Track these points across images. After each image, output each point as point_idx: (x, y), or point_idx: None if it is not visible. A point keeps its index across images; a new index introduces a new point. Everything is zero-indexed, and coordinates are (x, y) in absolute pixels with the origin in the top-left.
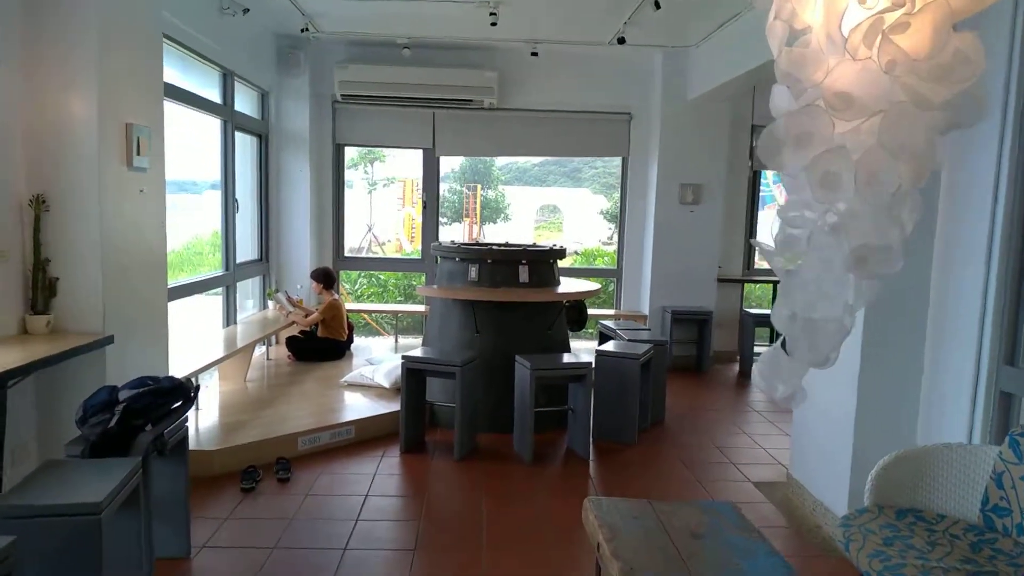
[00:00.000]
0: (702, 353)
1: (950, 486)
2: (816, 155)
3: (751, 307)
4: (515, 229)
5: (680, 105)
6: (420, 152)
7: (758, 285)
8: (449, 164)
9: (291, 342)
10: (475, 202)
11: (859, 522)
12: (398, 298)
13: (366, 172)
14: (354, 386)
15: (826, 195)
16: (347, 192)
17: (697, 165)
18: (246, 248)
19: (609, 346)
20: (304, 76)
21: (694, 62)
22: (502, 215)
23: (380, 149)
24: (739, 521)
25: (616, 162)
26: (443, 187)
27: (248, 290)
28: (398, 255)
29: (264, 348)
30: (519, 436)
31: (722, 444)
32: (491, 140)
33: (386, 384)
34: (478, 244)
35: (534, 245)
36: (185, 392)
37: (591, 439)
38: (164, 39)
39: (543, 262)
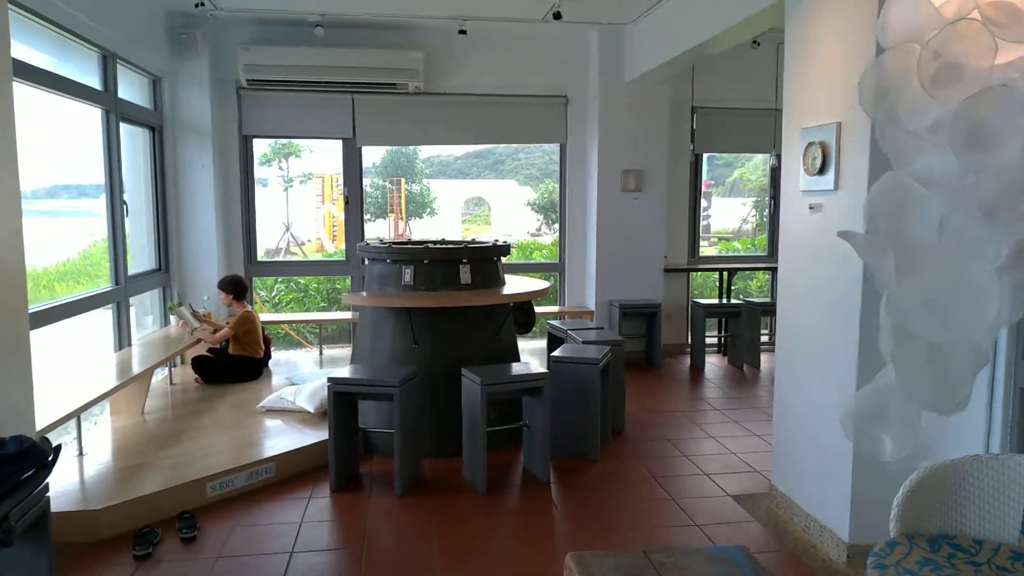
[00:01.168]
0: (652, 348)
1: (984, 505)
2: (967, 98)
3: (698, 297)
4: (442, 223)
5: (618, 87)
6: (339, 143)
7: (701, 274)
8: (370, 158)
9: (198, 363)
10: (399, 197)
11: (892, 560)
12: (321, 304)
13: (281, 168)
14: (274, 412)
15: (975, 158)
16: (261, 190)
17: (638, 150)
18: (142, 257)
19: (564, 351)
20: (202, 59)
21: (632, 40)
22: (428, 209)
23: (296, 142)
24: (754, 571)
25: (540, 153)
26: (365, 182)
27: (147, 305)
28: (319, 255)
29: (166, 372)
30: (469, 460)
31: (691, 452)
32: (418, 128)
33: (310, 408)
34: (412, 243)
35: (474, 241)
36: (39, 456)
37: (549, 458)
38: (17, 9)
39: (486, 260)
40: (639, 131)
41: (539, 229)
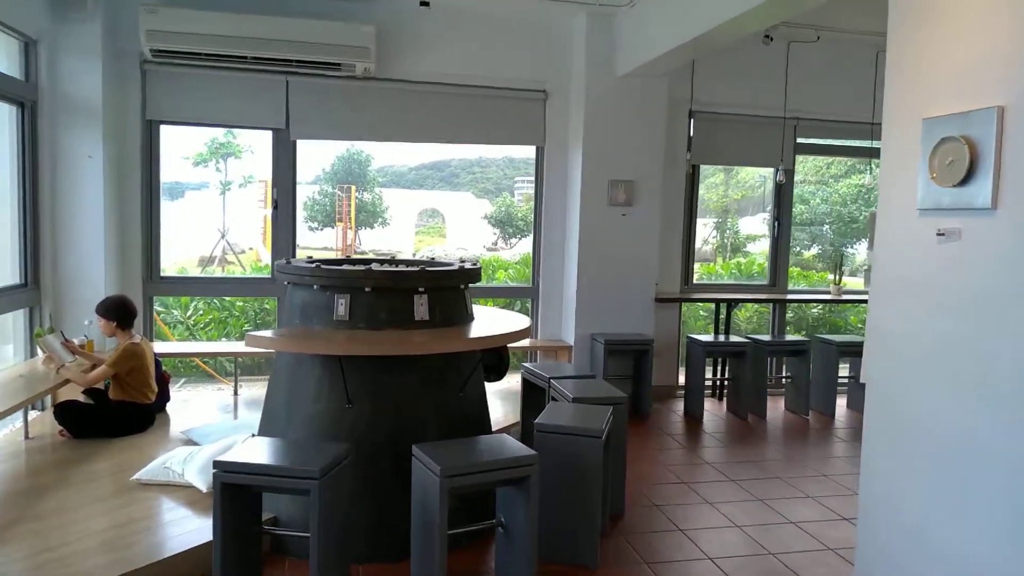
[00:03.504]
0: (640, 392)
1: None
2: None
3: (695, 332)
4: (394, 234)
5: (608, 82)
6: (269, 134)
7: (695, 305)
8: (320, 162)
9: (64, 410)
10: (349, 205)
11: None
12: (245, 326)
13: (218, 170)
14: (154, 487)
15: None
16: (198, 194)
17: (630, 158)
18: (2, 268)
19: (553, 415)
20: (94, 22)
21: (625, 27)
22: (380, 219)
23: (235, 141)
24: None
25: (496, 168)
26: (313, 189)
27: (7, 331)
28: (257, 266)
29: (21, 421)
30: (421, 569)
31: (715, 551)
32: (366, 121)
33: (202, 486)
34: (349, 261)
35: (434, 262)
36: None
37: (535, 569)
38: None
39: (450, 288)
40: (631, 135)
41: (495, 243)
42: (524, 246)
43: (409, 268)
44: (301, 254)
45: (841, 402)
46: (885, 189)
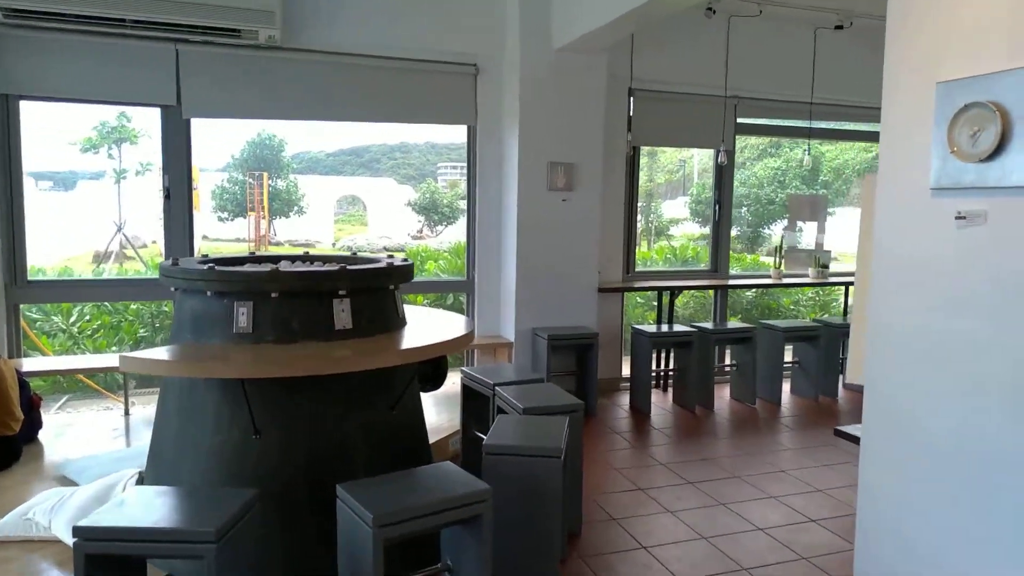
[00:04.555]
0: (586, 388)
1: None
2: None
3: (633, 321)
4: (313, 224)
5: (544, 56)
6: (158, 112)
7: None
8: (228, 147)
9: None
10: (262, 193)
11: None
12: (141, 331)
13: (111, 156)
14: (13, 544)
15: None
16: (93, 184)
17: (569, 139)
18: None
19: (504, 432)
20: None
21: None
22: (295, 208)
23: (129, 125)
24: None
25: (418, 153)
26: (222, 177)
27: None
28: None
29: None
30: None
31: (684, 571)
32: (271, 97)
33: (70, 540)
34: (253, 259)
35: (357, 257)
36: None
37: None
38: None
39: (377, 290)
40: (570, 115)
41: (420, 231)
42: (451, 234)
43: (327, 267)
44: (209, 248)
45: (786, 388)
46: (887, 166)
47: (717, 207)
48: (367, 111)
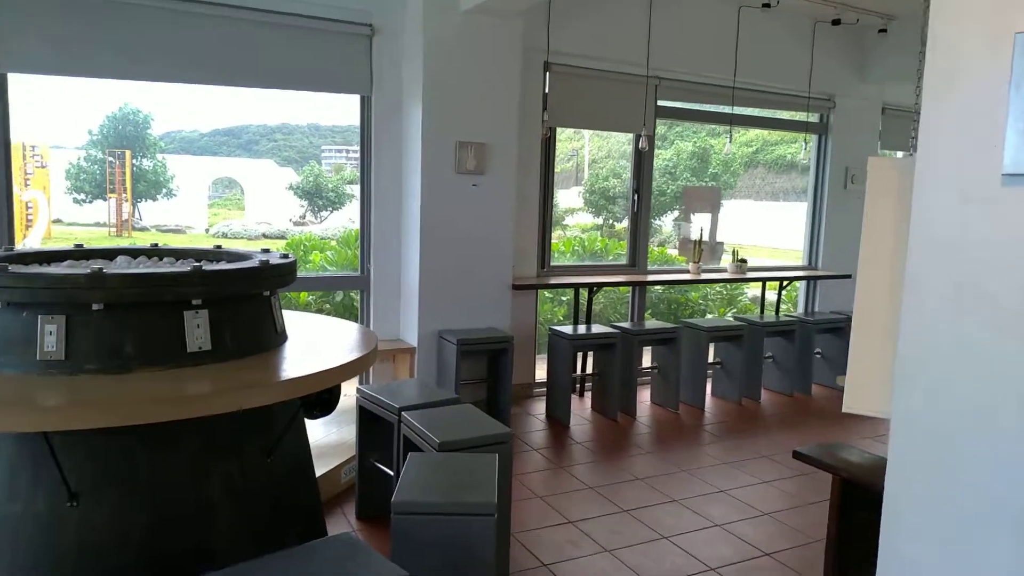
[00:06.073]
0: (498, 396)
1: None
2: None
3: (544, 319)
4: (183, 207)
5: (451, 18)
6: None
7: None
8: (85, 122)
9: None
10: (124, 174)
11: None
12: None
13: None
14: None
15: None
16: None
17: (480, 115)
18: None
19: (417, 484)
20: None
21: None
22: (164, 191)
23: None
24: None
25: (300, 135)
26: (78, 155)
27: None
28: None
29: None
30: None
31: None
32: (120, 51)
33: None
34: (74, 254)
35: (219, 252)
36: None
37: None
38: None
39: (248, 297)
40: (481, 87)
41: (303, 216)
42: (337, 220)
43: (176, 266)
44: (63, 235)
45: (707, 390)
46: (931, 148)
47: (636, 197)
48: (237, 74)
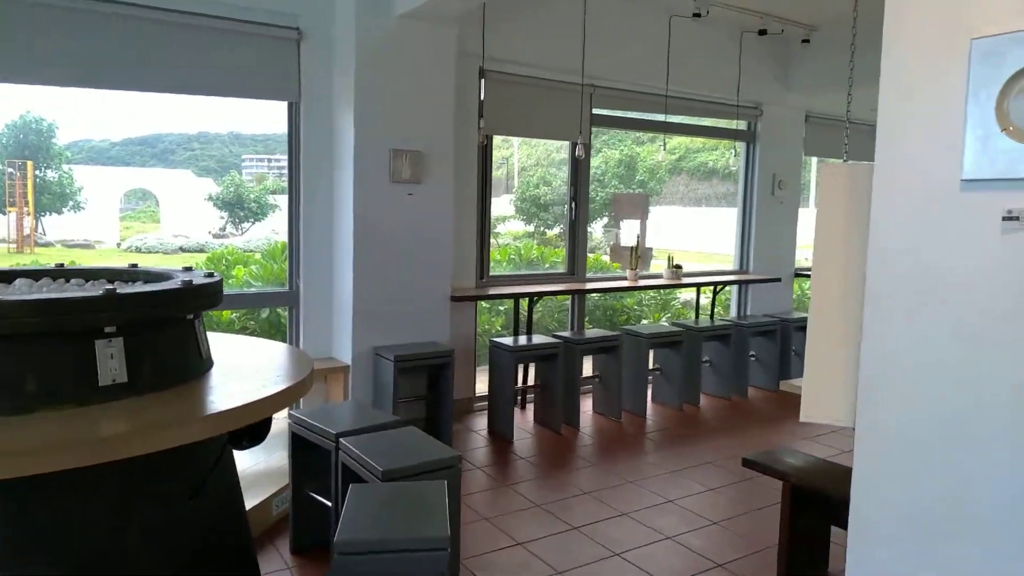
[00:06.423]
0: (440, 414)
1: None
2: None
3: (489, 333)
4: (93, 221)
5: (385, 23)
6: None
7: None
8: None
9: None
10: (25, 186)
11: None
12: None
13: None
14: None
15: None
16: None
17: (416, 123)
18: None
19: (361, 519)
20: None
21: None
22: (71, 203)
23: None
24: None
25: (219, 144)
26: None
27: None
28: None
29: None
30: None
31: None
32: (20, 52)
33: None
34: None
35: (134, 271)
36: None
37: None
38: None
39: (169, 322)
40: (416, 94)
41: (224, 228)
42: (259, 231)
43: (85, 292)
44: None
45: (648, 397)
46: (888, 153)
47: (573, 205)
48: (158, 80)
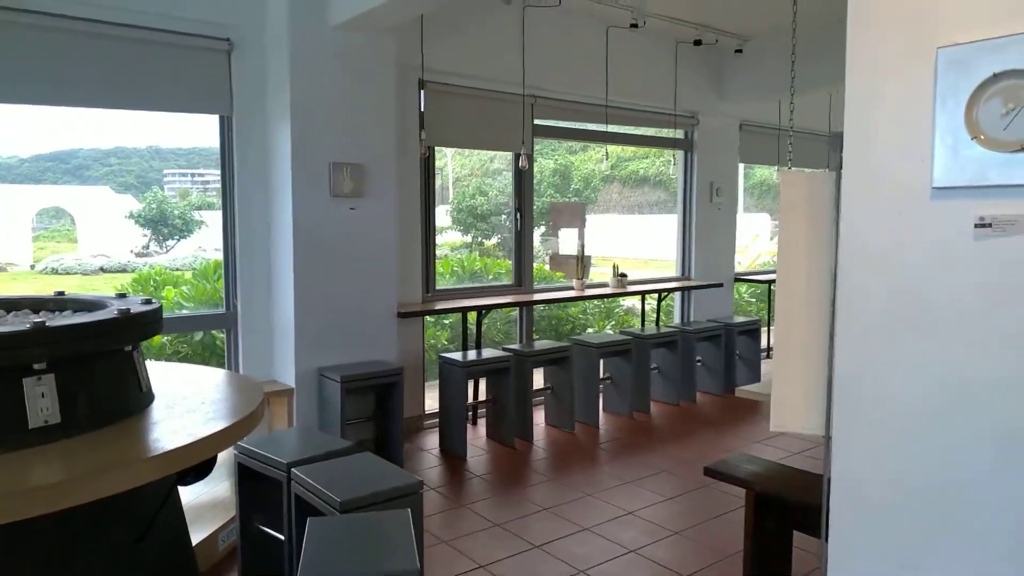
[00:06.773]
0: (389, 434)
1: None
2: None
3: (441, 349)
4: (2, 243)
5: (320, 34)
6: None
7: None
8: None
9: None
10: None
11: None
12: None
13: None
14: None
15: None
16: None
17: (355, 135)
18: None
19: (324, 557)
20: None
21: None
22: None
23: None
24: None
25: (138, 159)
26: None
27: None
28: None
29: None
30: None
31: None
32: None
33: None
34: None
35: (60, 299)
36: None
37: None
38: None
39: (105, 355)
40: (355, 106)
41: (147, 247)
42: (185, 249)
43: (9, 326)
44: None
45: (599, 406)
46: (858, 161)
47: (519, 215)
48: (75, 94)
